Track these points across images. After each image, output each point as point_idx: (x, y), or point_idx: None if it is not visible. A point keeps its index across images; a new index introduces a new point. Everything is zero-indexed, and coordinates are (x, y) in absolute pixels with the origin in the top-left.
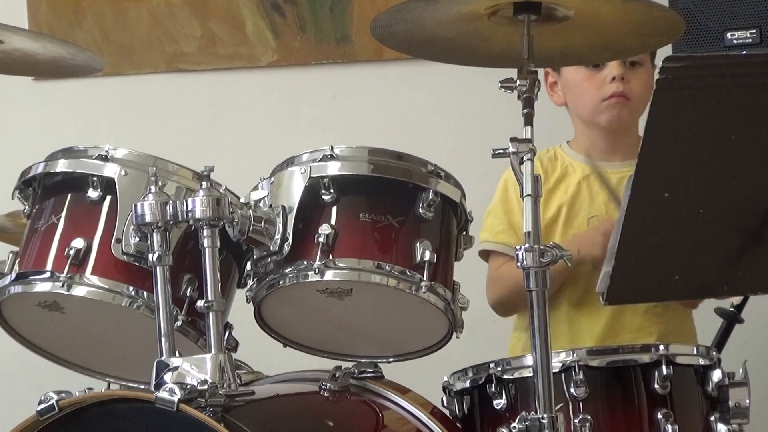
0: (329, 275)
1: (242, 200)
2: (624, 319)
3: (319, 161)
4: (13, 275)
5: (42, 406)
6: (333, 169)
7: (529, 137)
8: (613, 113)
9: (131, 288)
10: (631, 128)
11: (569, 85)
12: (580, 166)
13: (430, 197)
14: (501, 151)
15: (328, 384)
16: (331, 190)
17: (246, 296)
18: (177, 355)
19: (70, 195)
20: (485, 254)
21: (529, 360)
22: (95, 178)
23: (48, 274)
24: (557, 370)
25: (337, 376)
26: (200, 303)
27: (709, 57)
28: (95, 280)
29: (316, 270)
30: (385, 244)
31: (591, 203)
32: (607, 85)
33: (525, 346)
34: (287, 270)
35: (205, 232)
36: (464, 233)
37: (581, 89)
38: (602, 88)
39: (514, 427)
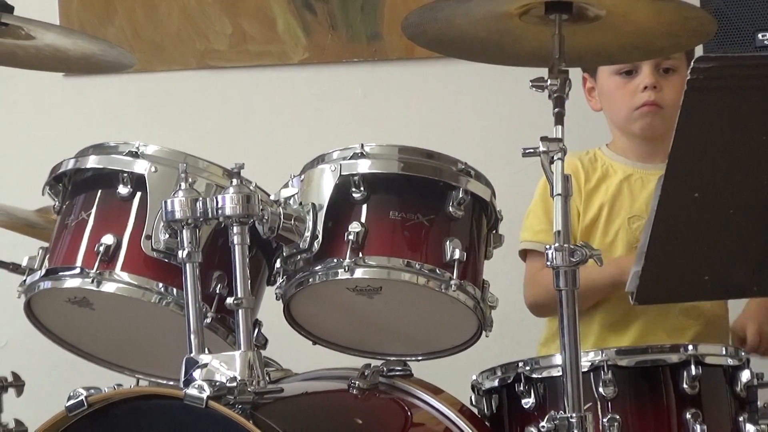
0: (359, 273)
1: (272, 197)
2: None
3: (350, 159)
4: (43, 271)
5: (71, 402)
6: (363, 167)
7: (560, 137)
8: (645, 121)
9: (161, 284)
10: (667, 133)
11: (603, 91)
12: (621, 167)
13: (460, 196)
14: (531, 150)
15: (357, 382)
16: (362, 188)
17: (275, 294)
18: (206, 352)
19: (100, 191)
20: (525, 254)
21: (557, 359)
22: (125, 175)
23: (78, 270)
24: (586, 369)
25: (365, 374)
26: (230, 300)
27: (740, 58)
28: (125, 276)
29: (346, 268)
30: (415, 242)
31: (632, 203)
32: (639, 94)
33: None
34: (317, 268)
35: (235, 229)
36: (494, 232)
37: (614, 97)
38: (634, 96)
39: (543, 427)
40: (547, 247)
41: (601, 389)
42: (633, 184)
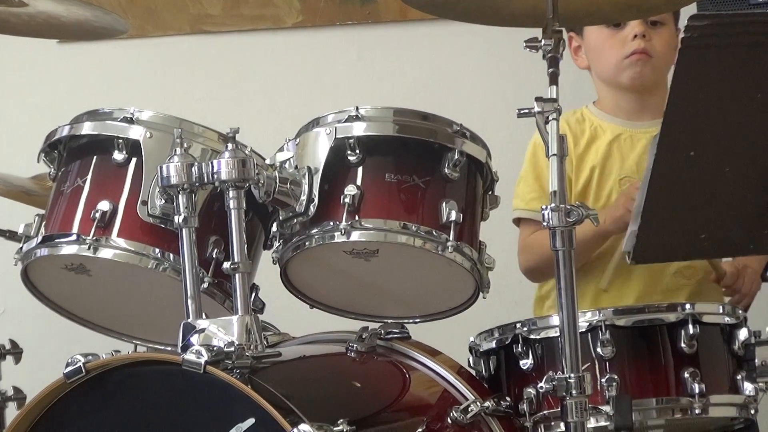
0: (355, 236)
1: (268, 161)
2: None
3: (345, 122)
4: (40, 238)
5: (69, 368)
6: (358, 129)
7: (555, 96)
8: (635, 70)
9: (157, 250)
10: (656, 87)
11: (591, 46)
12: (609, 127)
13: (456, 157)
14: (526, 111)
15: (355, 345)
16: (357, 151)
17: (272, 258)
18: (203, 317)
19: (95, 157)
20: (518, 221)
21: (555, 320)
22: (120, 141)
23: (74, 237)
24: (584, 329)
25: (363, 337)
26: (226, 265)
27: (735, 15)
28: (121, 242)
29: (343, 231)
30: (411, 204)
31: (622, 164)
32: (628, 44)
33: (552, 304)
34: (313, 231)
35: (231, 194)
36: (490, 193)
37: (603, 49)
38: (624, 46)
39: (541, 387)
40: (543, 207)
41: (599, 349)
42: (622, 144)
